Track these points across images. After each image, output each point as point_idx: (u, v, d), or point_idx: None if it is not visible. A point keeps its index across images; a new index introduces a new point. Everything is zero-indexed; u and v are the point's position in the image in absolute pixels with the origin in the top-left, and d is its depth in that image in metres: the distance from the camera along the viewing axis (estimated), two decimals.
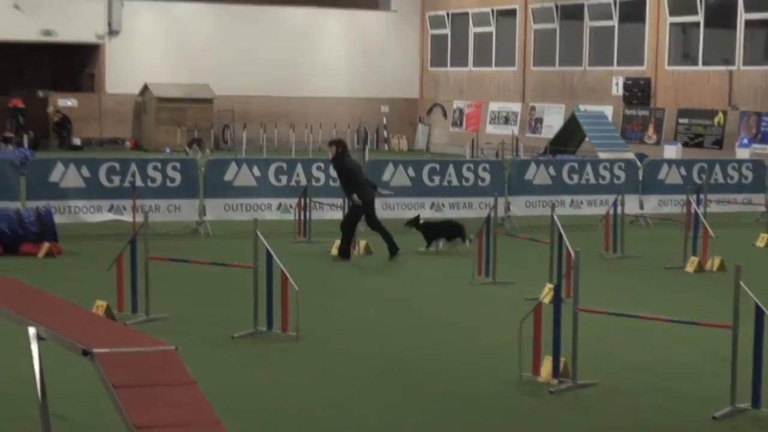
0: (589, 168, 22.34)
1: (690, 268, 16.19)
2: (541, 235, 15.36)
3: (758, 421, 8.80)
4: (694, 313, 11.82)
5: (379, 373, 10.19)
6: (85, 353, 5.52)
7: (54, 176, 18.98)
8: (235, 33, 42.86)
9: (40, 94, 41.83)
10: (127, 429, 5.13)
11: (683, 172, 22.79)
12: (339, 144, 17.43)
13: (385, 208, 20.62)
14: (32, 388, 6.35)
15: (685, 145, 33.00)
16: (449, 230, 18.22)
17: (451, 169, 21.41)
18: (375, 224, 17.30)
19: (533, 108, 39.83)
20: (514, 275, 15.16)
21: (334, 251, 17.24)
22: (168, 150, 39.12)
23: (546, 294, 12.65)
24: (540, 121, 39.40)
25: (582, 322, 9.65)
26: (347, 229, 17.08)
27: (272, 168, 20.43)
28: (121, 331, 6.44)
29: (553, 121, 37.81)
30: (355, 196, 16.90)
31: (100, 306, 12.01)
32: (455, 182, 21.28)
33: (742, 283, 8.76)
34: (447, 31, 44.41)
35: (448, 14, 44.24)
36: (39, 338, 6.04)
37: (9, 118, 39.28)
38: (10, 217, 16.84)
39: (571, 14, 38.36)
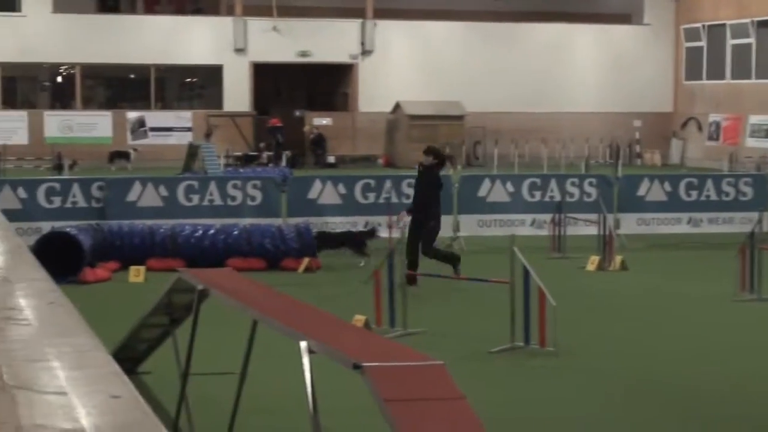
0: None
1: None
2: None
3: None
4: None
5: (638, 390, 9.98)
6: (356, 367, 5.57)
7: (312, 193, 19.48)
8: (485, 50, 43.01)
9: (297, 113, 43.03)
10: None
11: None
12: (436, 153, 16.06)
13: (639, 224, 20.30)
14: (301, 401, 6.48)
15: None
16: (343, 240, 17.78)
17: (709, 183, 20.82)
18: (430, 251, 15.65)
19: None
20: None
21: (591, 267, 17.04)
22: None
23: None
24: None
25: None
26: (436, 248, 15.69)
27: (526, 183, 20.38)
28: (387, 346, 6.51)
29: None
30: (433, 222, 15.46)
31: (359, 320, 12.20)
32: (714, 197, 20.68)
33: None
34: (703, 43, 43.27)
35: (703, 26, 43.11)
36: (310, 351, 6.15)
37: (269, 137, 40.56)
38: (273, 234, 17.42)
39: None
